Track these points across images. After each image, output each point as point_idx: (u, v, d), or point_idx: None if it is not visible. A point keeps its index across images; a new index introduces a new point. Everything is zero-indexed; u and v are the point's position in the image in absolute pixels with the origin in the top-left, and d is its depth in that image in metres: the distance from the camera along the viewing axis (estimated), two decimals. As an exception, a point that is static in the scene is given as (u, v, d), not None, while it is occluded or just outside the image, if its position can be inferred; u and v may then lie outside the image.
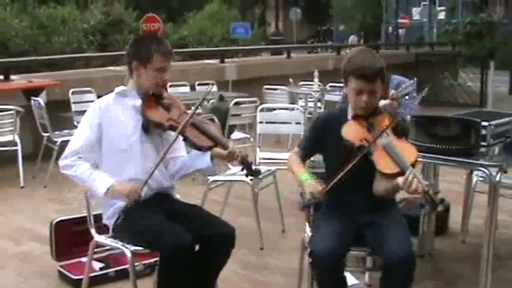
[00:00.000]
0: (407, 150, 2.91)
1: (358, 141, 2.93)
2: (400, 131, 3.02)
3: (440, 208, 2.78)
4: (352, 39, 29.59)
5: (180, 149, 3.33)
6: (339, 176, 2.86)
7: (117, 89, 3.27)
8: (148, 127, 3.18)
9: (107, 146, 3.19)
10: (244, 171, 3.23)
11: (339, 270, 2.94)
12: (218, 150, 3.18)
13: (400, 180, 2.77)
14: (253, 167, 3.24)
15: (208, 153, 3.22)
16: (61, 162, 3.18)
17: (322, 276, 2.93)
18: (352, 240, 3.02)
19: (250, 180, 4.21)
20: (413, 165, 2.85)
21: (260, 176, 3.57)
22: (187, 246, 2.97)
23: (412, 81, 3.84)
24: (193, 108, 3.18)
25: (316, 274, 2.98)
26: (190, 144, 3.16)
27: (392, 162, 2.84)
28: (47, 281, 4.11)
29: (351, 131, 2.98)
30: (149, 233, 3.04)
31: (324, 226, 3.05)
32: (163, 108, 3.20)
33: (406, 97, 3.90)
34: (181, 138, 3.15)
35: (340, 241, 2.91)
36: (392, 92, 3.88)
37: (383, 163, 2.86)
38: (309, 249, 2.98)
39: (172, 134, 3.14)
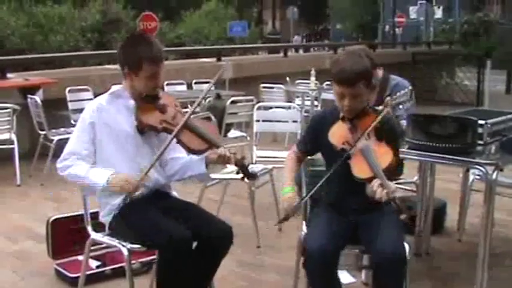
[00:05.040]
0: (382, 155, 2.89)
1: (340, 143, 2.95)
2: (383, 133, 2.98)
3: (403, 217, 2.76)
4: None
5: (180, 149, 3.25)
6: (318, 185, 2.91)
7: (111, 90, 3.26)
8: (143, 129, 3.16)
9: (102, 146, 3.16)
10: (240, 175, 3.16)
11: (332, 271, 2.92)
12: (212, 156, 3.14)
13: (368, 187, 2.80)
14: (250, 170, 3.19)
15: (204, 159, 3.19)
16: (58, 165, 3.15)
17: (314, 275, 2.92)
18: (348, 239, 3.01)
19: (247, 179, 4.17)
20: (387, 170, 2.84)
21: (258, 175, 3.51)
22: (185, 241, 2.95)
23: (407, 90, 3.81)
24: (189, 110, 3.15)
25: (308, 273, 2.95)
26: (185, 148, 3.12)
27: (367, 167, 2.85)
28: (45, 279, 4.10)
29: (335, 133, 3.00)
30: (146, 229, 3.02)
31: (319, 223, 3.06)
32: (157, 110, 3.16)
33: (400, 106, 3.88)
34: (175, 140, 3.11)
35: (333, 239, 2.91)
36: (386, 99, 3.88)
37: (359, 167, 2.88)
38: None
39: (168, 135, 3.12)
